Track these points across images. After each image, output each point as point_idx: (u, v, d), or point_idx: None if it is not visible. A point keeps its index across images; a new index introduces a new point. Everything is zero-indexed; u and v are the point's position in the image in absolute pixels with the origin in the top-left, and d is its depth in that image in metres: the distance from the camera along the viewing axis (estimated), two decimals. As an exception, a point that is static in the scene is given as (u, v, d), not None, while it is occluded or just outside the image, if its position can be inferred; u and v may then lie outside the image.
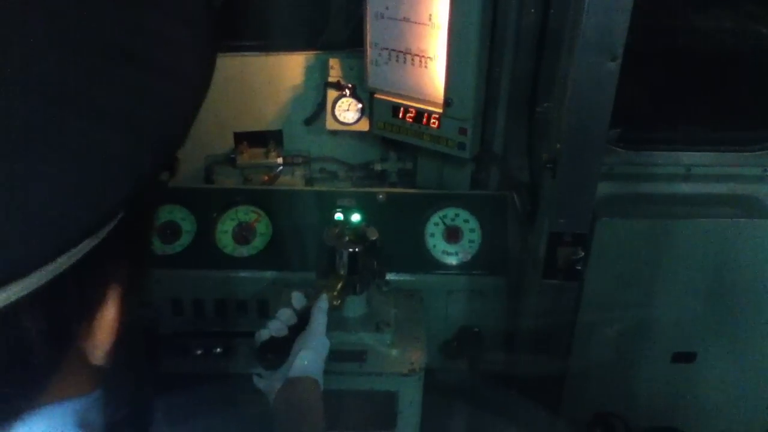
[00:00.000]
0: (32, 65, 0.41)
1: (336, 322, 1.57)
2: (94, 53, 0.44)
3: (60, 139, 0.42)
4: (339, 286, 1.46)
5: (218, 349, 1.73)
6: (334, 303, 1.43)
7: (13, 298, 0.43)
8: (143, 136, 0.46)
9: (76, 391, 0.54)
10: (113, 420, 0.59)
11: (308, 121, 1.97)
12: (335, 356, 1.54)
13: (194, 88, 0.51)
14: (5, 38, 0.40)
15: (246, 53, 1.89)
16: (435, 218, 1.83)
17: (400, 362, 1.54)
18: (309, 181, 2.04)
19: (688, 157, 1.73)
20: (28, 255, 0.42)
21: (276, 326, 1.34)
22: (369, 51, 1.75)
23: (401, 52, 1.71)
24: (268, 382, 1.29)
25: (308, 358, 1.28)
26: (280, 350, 1.31)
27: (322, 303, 1.37)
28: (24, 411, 0.50)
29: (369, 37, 1.73)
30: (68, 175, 0.42)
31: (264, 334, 1.34)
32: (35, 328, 0.45)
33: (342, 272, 1.48)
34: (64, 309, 0.47)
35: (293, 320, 1.36)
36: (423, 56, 1.70)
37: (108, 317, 0.53)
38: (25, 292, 0.43)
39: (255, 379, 1.32)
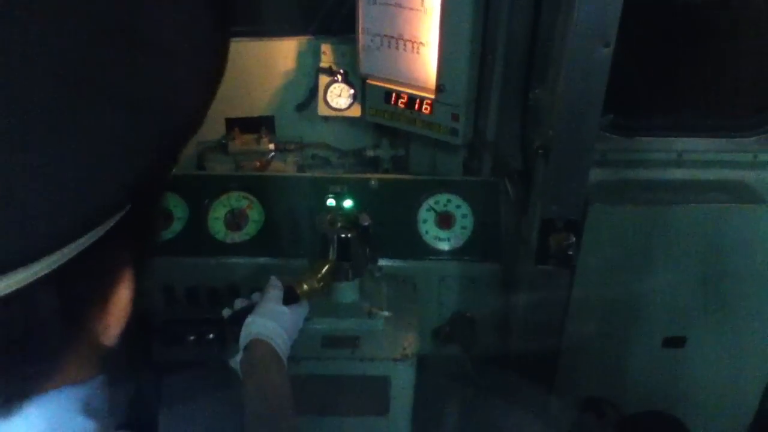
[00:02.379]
0: (44, 49, 0.41)
1: (329, 308, 1.58)
2: (101, 36, 0.43)
3: (79, 121, 0.42)
4: (324, 269, 1.47)
5: (211, 335, 1.74)
6: (316, 285, 1.45)
7: (24, 283, 0.43)
8: (157, 120, 0.46)
9: (80, 376, 0.54)
10: (114, 404, 0.59)
11: (300, 107, 1.97)
12: (328, 342, 1.55)
13: (206, 72, 0.51)
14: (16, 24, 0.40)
15: (238, 38, 1.88)
16: (427, 204, 1.83)
17: (392, 347, 1.55)
18: (301, 167, 2.04)
19: (679, 143, 1.74)
20: (57, 231, 0.42)
21: (240, 303, 1.41)
22: (361, 37, 1.74)
23: (393, 37, 1.71)
24: (235, 359, 1.33)
25: (255, 323, 1.33)
26: (242, 322, 1.36)
27: (274, 281, 1.43)
28: (29, 395, 0.50)
29: (361, 23, 1.72)
30: (83, 159, 0.42)
31: (227, 311, 1.41)
32: (43, 314, 0.46)
33: (331, 257, 1.49)
34: (71, 294, 0.48)
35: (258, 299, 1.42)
36: (415, 42, 1.69)
37: (115, 303, 0.53)
38: (37, 277, 0.43)
39: (230, 361, 1.36)
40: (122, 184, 0.45)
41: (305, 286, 1.43)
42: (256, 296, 1.44)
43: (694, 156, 1.74)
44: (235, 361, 1.33)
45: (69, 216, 0.42)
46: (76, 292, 0.49)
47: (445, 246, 1.82)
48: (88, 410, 0.54)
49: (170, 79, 0.47)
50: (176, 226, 1.79)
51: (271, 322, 1.34)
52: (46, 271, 0.44)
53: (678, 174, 1.75)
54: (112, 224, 0.47)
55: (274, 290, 1.41)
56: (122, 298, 0.54)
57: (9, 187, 0.40)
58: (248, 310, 1.38)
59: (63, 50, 0.41)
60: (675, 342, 1.83)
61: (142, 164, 0.46)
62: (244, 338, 1.32)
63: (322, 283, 1.46)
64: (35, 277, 0.43)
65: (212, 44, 0.51)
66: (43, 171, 0.41)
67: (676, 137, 1.74)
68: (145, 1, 0.46)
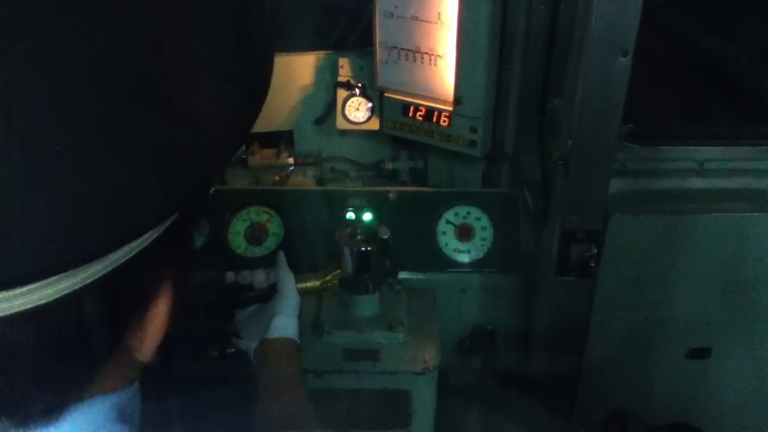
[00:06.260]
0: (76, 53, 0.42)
1: (349, 321, 1.58)
2: (132, 99, 0.45)
3: (133, 134, 0.44)
4: (331, 275, 1.50)
5: (232, 350, 1.74)
6: (317, 285, 1.49)
7: (77, 286, 0.45)
8: (209, 135, 0.48)
9: (116, 384, 0.55)
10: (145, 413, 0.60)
11: (319, 121, 1.98)
12: (349, 355, 1.54)
13: (256, 89, 0.53)
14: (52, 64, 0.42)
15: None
16: (447, 216, 1.83)
17: (413, 361, 1.54)
18: (320, 181, 2.04)
19: (701, 152, 1.72)
20: (103, 239, 0.44)
21: (244, 275, 1.45)
22: (378, 50, 1.75)
23: (411, 50, 1.71)
24: (246, 343, 1.39)
25: (282, 323, 1.36)
26: (237, 295, 1.43)
27: (281, 256, 1.49)
28: (68, 404, 0.51)
29: (378, 37, 1.73)
30: (131, 168, 0.44)
31: (229, 277, 1.46)
32: (96, 319, 0.48)
33: (343, 268, 1.50)
34: (115, 305, 0.49)
35: (263, 279, 1.45)
36: (432, 54, 1.70)
37: (156, 315, 0.54)
38: (88, 282, 0.45)
39: (233, 339, 1.42)
40: (161, 204, 0.46)
41: (305, 283, 1.47)
42: (259, 275, 1.46)
43: (715, 165, 1.72)
44: (245, 344, 1.38)
45: (112, 226, 0.44)
46: (120, 303, 0.50)
47: (465, 258, 1.81)
48: (123, 418, 0.55)
49: (218, 99, 0.49)
50: (197, 241, 1.79)
51: (293, 318, 1.39)
52: (90, 279, 0.45)
53: (700, 183, 1.73)
54: (153, 237, 0.48)
55: (286, 273, 1.45)
56: (162, 310, 0.55)
57: (62, 194, 0.41)
58: (256, 297, 1.43)
59: (110, 60, 0.43)
60: (700, 353, 1.80)
61: (192, 174, 0.48)
62: (271, 334, 1.34)
63: (328, 285, 1.50)
64: (80, 285, 0.45)
65: (241, 119, 0.53)
66: (91, 182, 0.42)
67: (697, 146, 1.72)
68: (179, 73, 0.48)
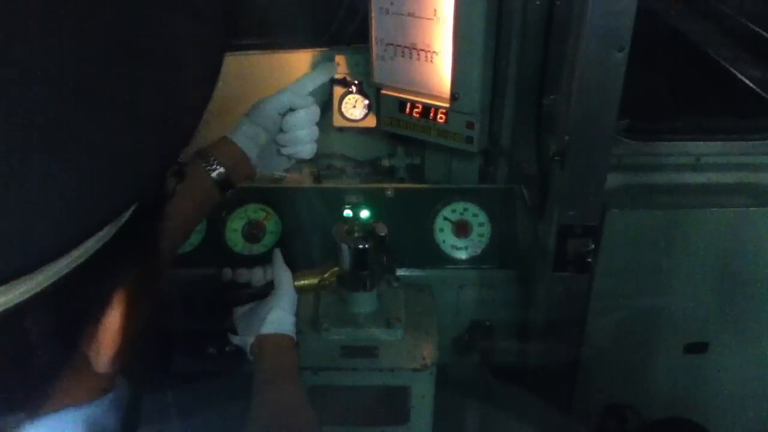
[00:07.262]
0: (46, 59, 0.41)
1: (347, 318, 1.58)
2: (103, 47, 0.44)
3: (72, 132, 0.42)
4: (328, 272, 1.51)
5: (231, 348, 1.74)
6: (315, 282, 1.50)
7: (20, 299, 0.42)
8: (155, 130, 0.46)
9: (84, 396, 0.53)
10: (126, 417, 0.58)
11: (315, 118, 1.97)
12: (347, 352, 1.55)
13: (203, 83, 0.51)
14: (18, 32, 0.41)
15: (251, 52, 1.89)
16: (444, 213, 1.83)
17: (411, 357, 1.54)
18: (317, 178, 2.04)
19: (697, 147, 1.72)
20: (40, 249, 0.41)
21: (242, 273, 1.46)
22: (375, 46, 1.75)
23: (407, 47, 1.71)
24: (242, 338, 1.39)
25: (278, 318, 1.37)
26: (235, 293, 1.44)
27: (277, 254, 1.49)
28: (32, 416, 0.49)
29: (374, 33, 1.73)
30: (79, 169, 0.42)
31: (227, 274, 1.46)
32: (43, 331, 0.45)
33: (341, 266, 1.51)
34: (72, 312, 0.47)
35: (260, 276, 1.46)
36: (429, 51, 1.69)
37: (118, 319, 0.52)
38: (32, 293, 0.43)
39: (230, 336, 1.42)
40: (119, 194, 0.44)
41: (302, 280, 1.48)
42: (256, 273, 1.47)
43: (712, 159, 1.72)
44: (242, 340, 1.38)
45: (65, 225, 0.42)
46: (68, 315, 0.48)
47: (462, 254, 1.81)
48: (94, 431, 0.53)
49: (173, 93, 0.47)
50: (194, 239, 1.80)
51: (290, 315, 1.39)
52: (41, 287, 0.43)
53: (696, 178, 1.73)
54: (107, 239, 0.46)
55: (283, 270, 1.45)
56: (117, 319, 0.52)
57: (8, 196, 0.39)
58: (253, 294, 1.43)
59: (69, 63, 0.42)
60: (697, 348, 1.80)
61: (139, 175, 0.45)
62: (267, 329, 1.35)
63: (325, 282, 1.51)
64: (18, 300, 0.42)
65: (214, 60, 0.52)
66: (42, 179, 0.40)
67: (694, 140, 1.72)
68: (155, 17, 0.47)
